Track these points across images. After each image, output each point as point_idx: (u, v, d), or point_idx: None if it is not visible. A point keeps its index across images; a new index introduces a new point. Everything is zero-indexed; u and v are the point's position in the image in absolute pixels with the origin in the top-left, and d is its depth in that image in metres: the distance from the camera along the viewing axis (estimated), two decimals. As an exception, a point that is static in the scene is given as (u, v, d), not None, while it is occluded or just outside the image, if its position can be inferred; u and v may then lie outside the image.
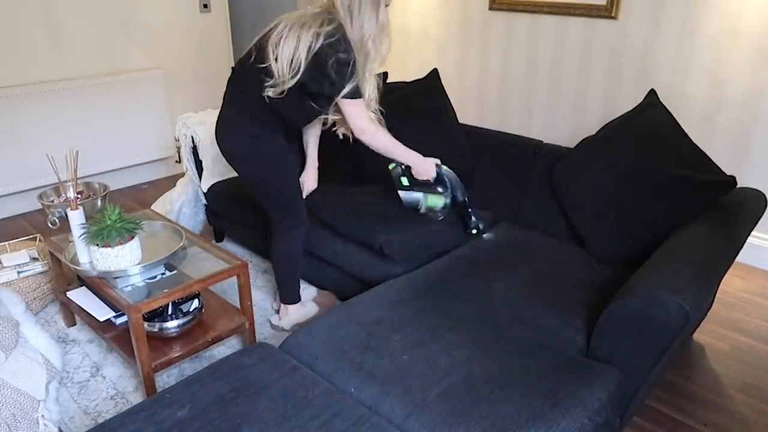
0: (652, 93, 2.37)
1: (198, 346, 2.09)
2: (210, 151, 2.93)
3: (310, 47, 1.81)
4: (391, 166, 2.24)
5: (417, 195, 2.25)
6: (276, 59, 1.85)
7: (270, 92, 1.90)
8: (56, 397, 1.97)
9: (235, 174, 2.96)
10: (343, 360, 1.61)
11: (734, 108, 2.91)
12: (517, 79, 3.72)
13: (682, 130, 2.24)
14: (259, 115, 2.01)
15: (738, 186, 2.27)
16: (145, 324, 2.02)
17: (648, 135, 2.26)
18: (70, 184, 2.17)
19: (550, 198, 2.43)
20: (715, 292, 2.42)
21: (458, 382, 1.51)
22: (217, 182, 2.97)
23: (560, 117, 3.57)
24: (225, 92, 2.11)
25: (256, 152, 2.08)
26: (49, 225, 2.92)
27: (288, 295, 2.40)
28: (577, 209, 2.34)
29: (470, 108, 3.99)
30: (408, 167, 2.20)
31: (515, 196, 2.54)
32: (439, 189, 2.24)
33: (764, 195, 2.21)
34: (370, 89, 1.95)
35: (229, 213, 2.92)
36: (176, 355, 2.03)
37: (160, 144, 4.04)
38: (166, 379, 2.16)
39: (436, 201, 2.25)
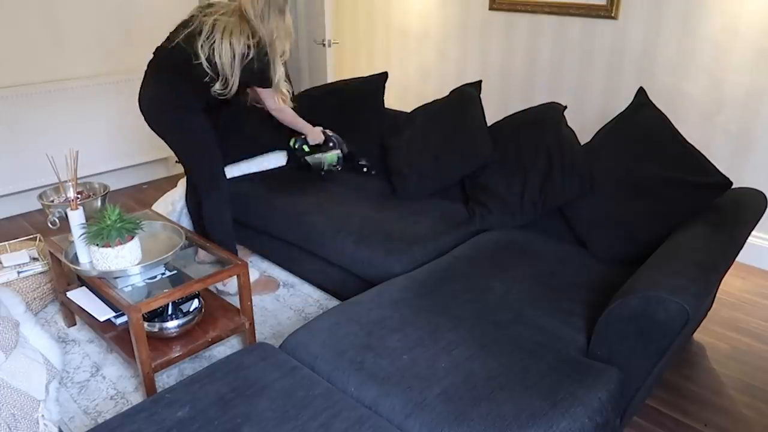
0: (642, 92, 2.37)
1: (198, 346, 2.09)
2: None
3: (243, 55, 2.28)
4: (291, 142, 2.82)
5: (319, 155, 2.83)
6: (209, 61, 2.27)
7: (217, 87, 2.32)
8: (56, 397, 1.97)
9: (235, 174, 3.00)
10: (343, 360, 1.61)
11: (734, 108, 2.91)
12: (517, 79, 3.72)
13: (675, 130, 2.24)
14: (184, 94, 2.38)
15: (738, 186, 2.28)
16: (145, 324, 2.02)
17: (641, 137, 2.27)
18: (70, 184, 2.17)
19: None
20: (715, 292, 2.42)
21: (458, 381, 1.51)
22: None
23: (560, 117, 3.57)
24: (148, 72, 2.46)
25: (182, 126, 2.46)
26: (49, 225, 2.92)
27: (203, 246, 2.43)
28: (576, 211, 2.34)
29: (470, 108, 3.99)
30: (304, 137, 2.78)
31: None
32: (331, 147, 2.82)
33: (764, 195, 2.21)
34: (280, 74, 2.43)
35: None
36: (176, 355, 2.03)
37: (160, 144, 3.98)
38: (166, 379, 2.16)
39: (332, 157, 2.82)
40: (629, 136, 2.31)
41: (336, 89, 3.24)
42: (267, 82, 2.41)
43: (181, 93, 2.38)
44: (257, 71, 2.34)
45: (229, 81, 2.31)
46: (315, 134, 2.78)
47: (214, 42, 2.25)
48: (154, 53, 2.45)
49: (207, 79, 2.30)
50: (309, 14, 4.00)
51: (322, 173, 2.87)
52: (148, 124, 2.50)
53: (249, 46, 2.28)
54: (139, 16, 3.81)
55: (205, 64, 2.27)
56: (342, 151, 2.84)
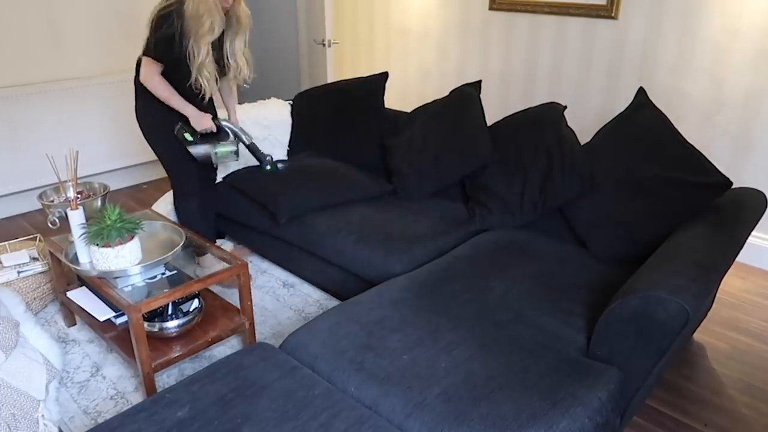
0: (642, 92, 2.37)
1: (198, 346, 2.09)
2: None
3: (159, 11, 2.27)
4: (175, 129, 2.45)
5: (204, 147, 2.47)
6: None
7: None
8: (56, 397, 1.97)
9: (233, 168, 2.99)
10: (343, 360, 1.61)
11: (734, 108, 2.91)
12: (517, 78, 3.72)
13: (675, 130, 2.24)
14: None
15: (738, 186, 2.28)
16: (145, 324, 2.02)
17: (642, 137, 2.27)
18: (70, 184, 2.17)
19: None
20: (715, 292, 2.42)
21: (458, 381, 1.51)
22: (218, 182, 2.96)
23: (560, 117, 3.57)
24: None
25: (157, 129, 2.48)
26: (49, 225, 2.92)
27: (201, 247, 2.44)
28: (576, 211, 2.34)
29: (470, 108, 3.99)
30: (188, 121, 2.44)
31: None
32: (225, 139, 2.51)
33: (764, 195, 2.21)
34: (203, 55, 2.30)
35: (230, 213, 2.92)
36: (176, 355, 2.03)
37: (160, 144, 4.03)
38: (166, 379, 2.16)
39: (225, 150, 2.50)
40: (629, 136, 2.31)
41: (336, 89, 3.24)
42: (149, 46, 2.30)
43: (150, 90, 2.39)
44: (152, 31, 2.28)
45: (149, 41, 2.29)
46: (200, 122, 2.43)
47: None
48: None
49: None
50: (309, 14, 4.01)
51: (215, 166, 2.68)
52: (140, 128, 2.57)
53: (166, 7, 2.24)
54: (139, 16, 3.80)
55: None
56: (244, 143, 2.59)
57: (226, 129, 2.52)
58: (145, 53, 2.35)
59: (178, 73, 2.35)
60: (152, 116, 2.49)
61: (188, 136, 2.43)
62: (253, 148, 2.63)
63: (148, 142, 2.59)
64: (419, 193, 2.75)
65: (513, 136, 2.57)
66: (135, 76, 2.48)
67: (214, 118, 2.51)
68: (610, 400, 1.50)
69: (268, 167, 2.68)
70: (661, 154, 2.20)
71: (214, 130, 2.48)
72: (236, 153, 2.54)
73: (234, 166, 2.95)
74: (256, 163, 2.74)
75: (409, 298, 1.88)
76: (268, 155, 2.69)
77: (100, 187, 3.20)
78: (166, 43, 2.27)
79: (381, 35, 4.44)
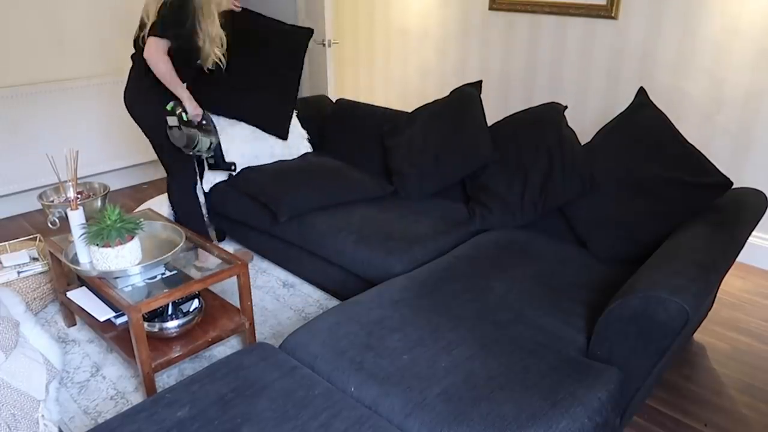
0: (642, 91, 2.37)
1: (198, 346, 2.09)
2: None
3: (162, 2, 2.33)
4: (169, 106, 2.50)
5: (194, 132, 2.52)
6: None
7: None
8: (56, 397, 1.97)
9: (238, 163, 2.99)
10: (343, 360, 1.61)
11: (734, 108, 2.91)
12: (517, 79, 3.72)
13: (675, 130, 2.24)
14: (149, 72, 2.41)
15: (738, 186, 2.28)
16: (145, 324, 2.02)
17: (642, 137, 2.27)
18: (70, 184, 2.17)
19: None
20: (716, 292, 2.42)
21: (458, 381, 1.51)
22: (219, 182, 2.97)
23: (560, 117, 3.57)
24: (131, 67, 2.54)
25: (150, 107, 2.52)
26: (49, 225, 2.92)
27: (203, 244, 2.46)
28: (576, 211, 2.34)
29: (470, 108, 3.99)
30: (178, 114, 2.52)
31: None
32: (208, 131, 2.58)
33: (764, 195, 2.21)
34: (217, 25, 2.44)
35: (231, 213, 2.92)
36: (176, 355, 2.03)
37: (160, 144, 4.03)
38: (166, 379, 2.16)
39: (207, 142, 2.57)
40: (629, 136, 2.31)
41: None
42: (160, 27, 2.32)
43: (148, 72, 2.41)
44: (165, 11, 2.30)
45: (146, 24, 2.34)
46: (195, 108, 2.55)
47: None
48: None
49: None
50: (309, 14, 4.00)
51: (190, 153, 2.61)
52: (131, 115, 2.59)
53: None
54: (139, 16, 3.80)
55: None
56: (213, 142, 2.64)
57: (212, 121, 2.60)
58: (151, 34, 2.35)
59: (185, 51, 2.40)
60: (157, 100, 2.50)
61: (184, 116, 2.51)
62: (219, 148, 2.73)
63: (149, 129, 2.59)
64: (420, 193, 2.75)
65: (513, 136, 2.57)
66: (132, 59, 2.52)
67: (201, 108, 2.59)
68: (610, 400, 1.50)
69: (232, 168, 2.82)
70: (661, 154, 2.20)
71: (200, 119, 2.57)
72: (213, 147, 2.62)
73: (221, 176, 2.99)
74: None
75: (410, 298, 1.88)
76: (230, 163, 2.83)
77: (100, 187, 3.20)
78: (178, 19, 2.31)
79: (381, 35, 4.44)
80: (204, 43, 2.43)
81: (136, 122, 2.60)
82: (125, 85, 2.58)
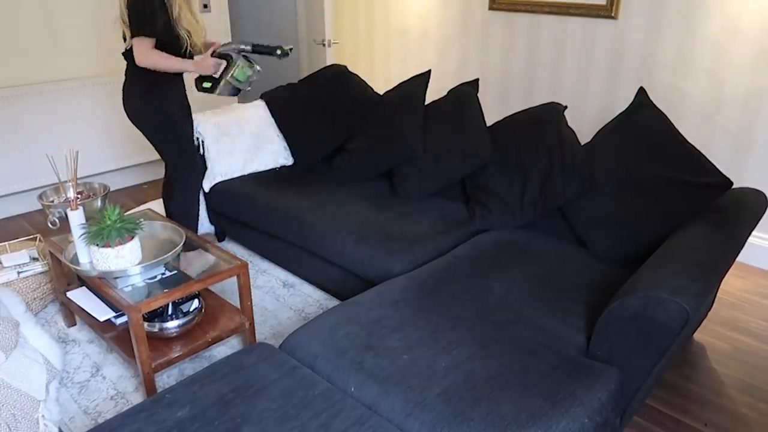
0: (642, 91, 2.38)
1: (198, 346, 2.09)
2: (212, 151, 2.93)
3: (126, 5, 2.31)
4: (205, 85, 2.54)
5: (223, 83, 2.51)
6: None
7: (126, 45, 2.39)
8: (56, 397, 1.97)
9: (236, 174, 3.00)
10: (343, 360, 1.61)
11: (734, 108, 2.91)
12: (517, 79, 3.72)
13: (675, 130, 2.24)
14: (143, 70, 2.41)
15: (738, 186, 2.28)
16: (145, 324, 2.02)
17: (642, 137, 2.27)
18: (70, 184, 2.17)
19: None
20: (716, 292, 2.42)
21: (458, 381, 1.51)
22: (219, 182, 2.97)
23: (560, 117, 3.57)
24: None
25: (150, 108, 2.52)
26: (49, 225, 2.92)
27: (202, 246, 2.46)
28: (576, 211, 2.34)
29: (470, 108, 3.99)
30: (199, 78, 2.56)
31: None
32: (234, 64, 2.51)
33: (764, 195, 2.21)
34: (187, 15, 2.41)
35: (231, 213, 2.93)
36: (176, 355, 2.03)
37: (160, 144, 4.03)
38: (166, 379, 2.16)
39: (243, 71, 2.53)
40: (629, 136, 2.31)
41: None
42: (135, 29, 2.30)
43: (141, 70, 2.41)
44: (132, 13, 2.28)
45: (124, 25, 2.34)
46: (203, 66, 2.50)
47: None
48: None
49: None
50: (309, 14, 4.01)
51: (248, 90, 2.61)
52: (128, 117, 2.58)
53: None
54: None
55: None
56: (248, 51, 2.55)
57: (229, 55, 2.52)
58: (134, 35, 2.34)
59: (168, 44, 2.39)
60: (155, 99, 2.51)
61: (207, 84, 2.53)
62: (258, 49, 2.58)
63: (150, 129, 2.59)
64: (419, 193, 2.75)
65: (513, 136, 2.58)
66: (126, 67, 2.50)
67: (213, 53, 2.54)
68: (610, 400, 1.50)
69: (279, 52, 2.59)
70: (661, 154, 2.21)
71: (222, 65, 2.51)
72: (252, 66, 2.56)
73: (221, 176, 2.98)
74: None
75: (409, 298, 1.88)
76: (276, 46, 2.61)
77: (100, 187, 3.20)
78: (146, 15, 2.30)
79: (381, 35, 4.44)
80: (181, 30, 2.40)
81: (140, 131, 2.60)
82: (122, 92, 2.55)
